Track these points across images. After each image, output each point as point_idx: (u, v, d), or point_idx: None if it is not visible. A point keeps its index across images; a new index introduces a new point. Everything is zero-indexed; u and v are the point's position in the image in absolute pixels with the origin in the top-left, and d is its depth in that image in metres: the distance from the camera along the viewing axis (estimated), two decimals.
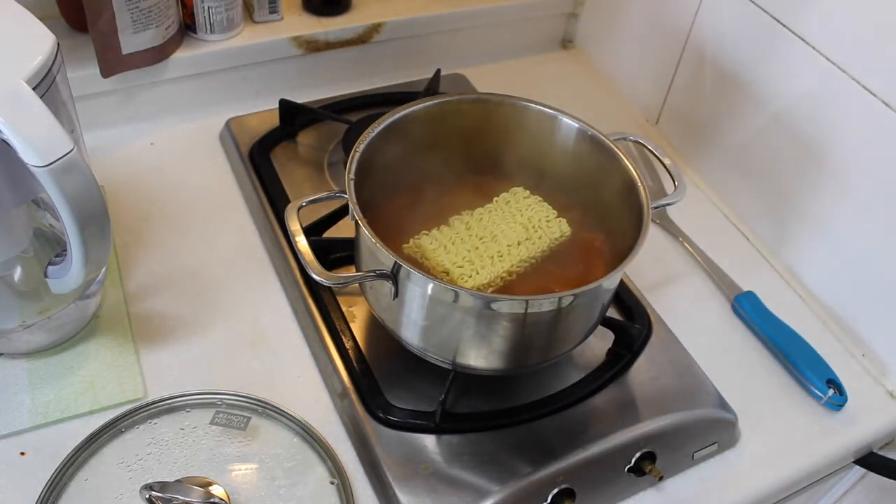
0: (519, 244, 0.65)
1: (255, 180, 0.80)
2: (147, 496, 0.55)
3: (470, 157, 0.69)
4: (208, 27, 0.86)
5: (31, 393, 0.63)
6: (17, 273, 0.62)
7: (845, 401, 0.70)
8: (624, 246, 0.59)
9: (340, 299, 0.70)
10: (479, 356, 0.60)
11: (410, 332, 0.60)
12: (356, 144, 0.61)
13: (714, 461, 0.66)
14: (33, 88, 0.48)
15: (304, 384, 0.67)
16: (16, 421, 0.61)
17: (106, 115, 0.86)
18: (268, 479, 0.59)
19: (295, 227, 0.58)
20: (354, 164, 0.60)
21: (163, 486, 0.55)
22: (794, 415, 0.70)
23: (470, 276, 0.62)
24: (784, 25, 0.76)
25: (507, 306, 0.55)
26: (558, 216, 0.67)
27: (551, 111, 0.67)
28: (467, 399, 0.64)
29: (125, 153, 0.85)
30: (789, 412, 0.71)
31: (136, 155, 0.85)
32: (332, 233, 0.75)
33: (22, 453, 0.60)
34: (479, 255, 0.63)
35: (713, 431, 0.66)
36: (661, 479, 0.63)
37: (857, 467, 0.74)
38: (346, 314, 0.69)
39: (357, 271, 0.61)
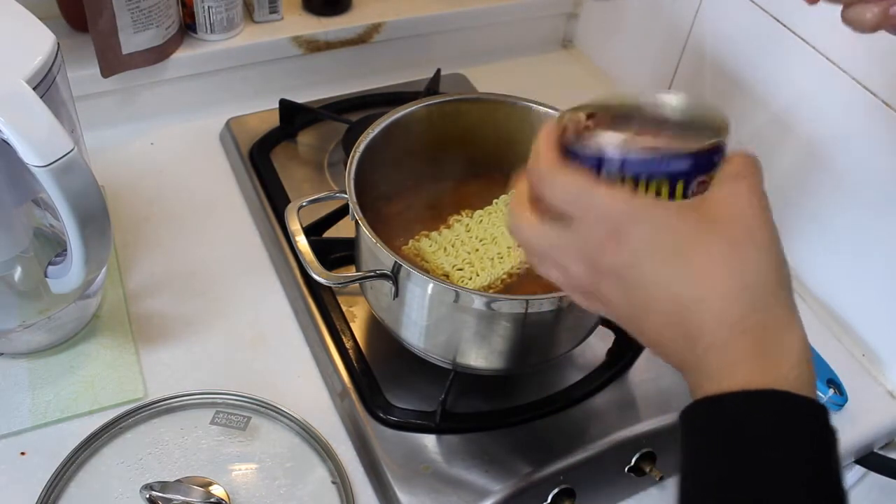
0: (519, 246, 0.64)
1: (255, 180, 0.80)
2: (147, 496, 0.55)
3: (470, 158, 0.69)
4: (208, 27, 0.86)
5: (31, 393, 0.63)
6: (17, 273, 0.62)
7: (845, 401, 0.70)
8: None
9: (340, 299, 0.70)
10: (480, 356, 0.60)
11: (411, 332, 0.60)
12: (356, 144, 0.61)
13: None
14: (33, 88, 0.48)
15: (304, 384, 0.67)
16: (16, 421, 0.61)
17: (106, 115, 0.86)
18: (268, 479, 0.59)
19: (295, 227, 0.58)
20: (354, 164, 0.60)
21: (163, 486, 0.55)
22: None
23: (470, 279, 0.62)
24: (784, 25, 0.76)
25: (508, 306, 0.55)
26: None
27: (551, 111, 0.67)
28: (467, 399, 0.64)
29: (125, 153, 0.85)
30: None
31: (136, 155, 0.85)
32: (332, 233, 0.75)
33: (22, 453, 0.60)
34: (479, 257, 0.63)
35: None
36: (661, 478, 0.63)
37: (858, 467, 0.74)
38: (346, 314, 0.69)
39: (357, 271, 0.61)
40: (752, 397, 0.34)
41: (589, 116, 0.43)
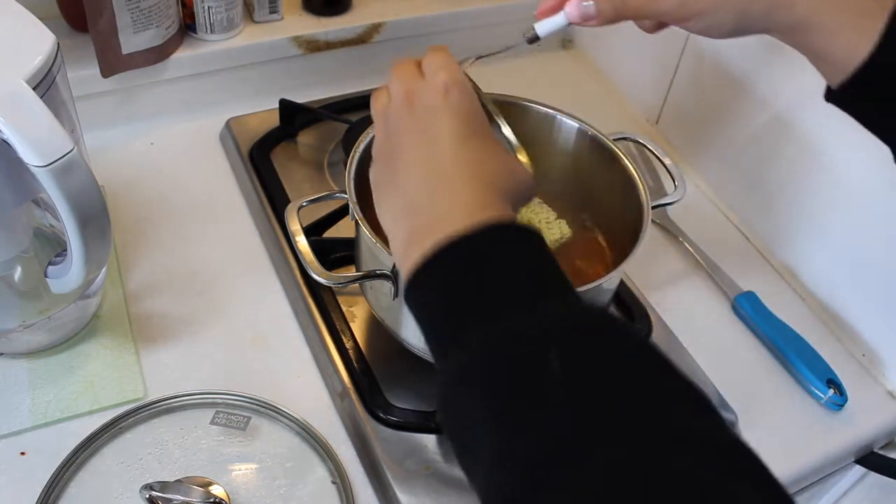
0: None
1: (255, 180, 0.80)
2: (147, 496, 0.55)
3: None
4: (208, 27, 0.86)
5: (31, 393, 0.63)
6: (17, 273, 0.62)
7: (845, 401, 0.70)
8: (624, 246, 0.59)
9: (340, 299, 0.70)
10: None
11: (410, 332, 0.60)
12: (356, 144, 0.61)
13: None
14: (33, 88, 0.48)
15: (304, 384, 0.67)
16: (16, 421, 0.61)
17: (106, 115, 0.86)
18: (268, 479, 0.59)
19: (295, 227, 0.58)
20: (354, 164, 0.60)
21: (163, 486, 0.55)
22: (794, 415, 0.70)
23: None
24: None
25: None
26: (558, 217, 0.67)
27: (551, 111, 0.67)
28: None
29: (125, 153, 0.85)
30: (789, 412, 0.71)
31: (136, 155, 0.85)
32: (332, 233, 0.75)
33: (22, 453, 0.60)
34: None
35: None
36: None
37: (858, 467, 0.74)
38: (346, 314, 0.69)
39: (357, 271, 0.61)
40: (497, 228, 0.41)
41: None
